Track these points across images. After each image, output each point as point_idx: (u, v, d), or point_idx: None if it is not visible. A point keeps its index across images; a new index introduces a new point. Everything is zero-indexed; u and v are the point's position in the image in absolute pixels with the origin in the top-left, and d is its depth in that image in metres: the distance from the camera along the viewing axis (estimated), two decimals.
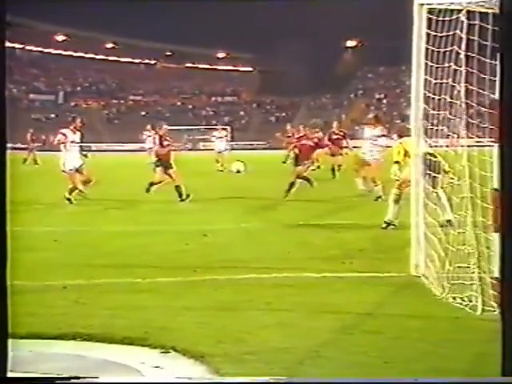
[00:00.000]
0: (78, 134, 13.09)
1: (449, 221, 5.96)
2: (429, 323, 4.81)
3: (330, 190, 14.41)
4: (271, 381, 3.62)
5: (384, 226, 8.93)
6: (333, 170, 17.96)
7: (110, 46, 73.08)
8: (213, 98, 71.59)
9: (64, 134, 12.94)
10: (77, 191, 12.67)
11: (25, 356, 3.94)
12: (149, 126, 32.74)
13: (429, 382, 3.61)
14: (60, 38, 70.50)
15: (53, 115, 60.67)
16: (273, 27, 59.49)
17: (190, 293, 5.73)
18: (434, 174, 6.87)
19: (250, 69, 75.92)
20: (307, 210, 11.34)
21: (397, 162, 8.77)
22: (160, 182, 13.24)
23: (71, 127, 13.03)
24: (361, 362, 4.03)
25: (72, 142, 12.87)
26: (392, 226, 8.87)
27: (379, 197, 11.91)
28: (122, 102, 69.76)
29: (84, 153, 13.30)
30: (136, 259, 7.23)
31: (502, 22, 3.14)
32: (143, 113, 64.87)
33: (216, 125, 30.24)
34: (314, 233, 9.04)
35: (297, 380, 3.85)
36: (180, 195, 12.58)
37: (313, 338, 4.45)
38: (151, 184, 13.33)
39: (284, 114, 64.86)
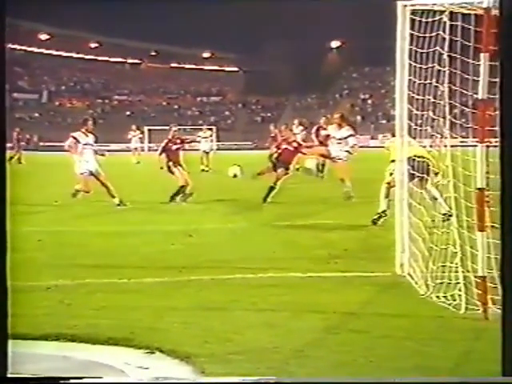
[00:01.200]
0: (91, 136, 12.64)
1: (445, 214, 5.97)
2: (414, 322, 4.84)
3: (316, 189, 14.44)
4: (262, 381, 3.63)
5: (376, 217, 9.04)
6: (318, 168, 17.86)
7: (94, 45, 72.67)
8: (198, 98, 71.44)
9: (75, 138, 12.54)
10: (82, 193, 12.35)
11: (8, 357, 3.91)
12: (134, 126, 32.64)
13: (429, 381, 3.63)
14: (43, 36, 69.98)
15: (37, 114, 60.22)
16: (258, 27, 59.49)
17: (176, 293, 5.72)
18: (423, 175, 6.91)
19: (236, 69, 75.88)
20: (292, 210, 11.36)
21: (393, 161, 8.72)
22: (186, 184, 12.67)
23: (83, 130, 12.59)
24: (346, 361, 4.04)
25: (85, 144, 12.42)
26: (384, 217, 8.91)
27: (350, 196, 11.80)
28: (106, 101, 69.39)
29: (101, 152, 12.82)
30: (121, 259, 7.20)
31: (502, 23, 3.17)
32: (128, 113, 64.60)
33: (202, 125, 30.15)
34: (299, 233, 9.06)
35: (283, 380, 3.86)
36: (180, 195, 12.41)
37: (298, 338, 4.47)
38: (182, 187, 12.66)
39: (270, 114, 64.89)
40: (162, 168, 13.12)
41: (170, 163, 12.96)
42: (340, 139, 12.42)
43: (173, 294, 5.71)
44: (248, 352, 4.17)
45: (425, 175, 6.99)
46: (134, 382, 3.76)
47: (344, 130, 12.54)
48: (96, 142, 12.82)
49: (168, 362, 4.07)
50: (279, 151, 12.90)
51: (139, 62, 75.12)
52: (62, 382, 3.43)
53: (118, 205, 11.96)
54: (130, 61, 74.59)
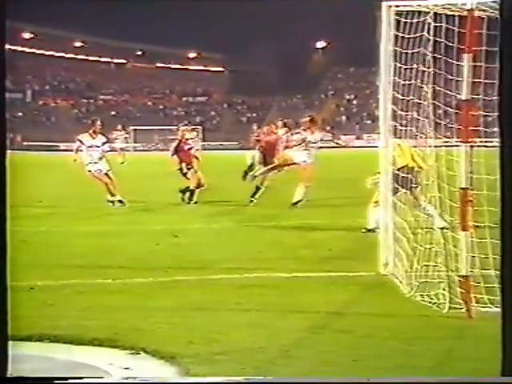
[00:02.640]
0: (99, 136, 12.43)
1: (443, 228, 5.90)
2: (397, 321, 4.87)
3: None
4: (254, 381, 3.63)
5: (364, 231, 8.57)
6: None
7: (78, 44, 72.23)
8: (184, 98, 71.28)
9: (80, 141, 12.33)
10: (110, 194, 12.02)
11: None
12: (119, 126, 32.46)
13: (429, 381, 3.65)
14: (27, 35, 69.42)
15: (20, 113, 59.71)
16: (244, 28, 59.48)
17: (161, 293, 5.70)
18: (413, 188, 6.93)
19: (221, 69, 75.80)
20: (278, 211, 11.37)
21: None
22: (200, 186, 12.43)
23: (90, 131, 12.35)
24: (330, 360, 4.06)
25: (90, 146, 12.18)
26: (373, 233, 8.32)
27: (299, 200, 11.60)
28: (91, 101, 69.01)
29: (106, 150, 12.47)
30: (106, 260, 7.17)
31: (502, 24, 3.20)
32: (113, 112, 64.27)
33: (187, 125, 30.06)
34: (284, 233, 9.07)
35: (269, 380, 3.86)
36: (189, 198, 12.26)
37: (283, 338, 4.47)
38: (192, 190, 12.36)
39: (255, 115, 64.90)
40: (178, 169, 12.74)
41: (183, 164, 12.62)
42: (315, 143, 12.28)
43: (158, 294, 5.69)
44: (233, 352, 4.17)
45: (416, 188, 6.99)
46: (134, 382, 3.75)
47: (317, 132, 12.43)
48: (107, 143, 12.59)
49: (152, 363, 4.06)
50: (264, 151, 12.87)
51: (124, 61, 74.80)
52: (61, 381, 3.42)
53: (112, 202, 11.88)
54: (115, 60, 74.24)
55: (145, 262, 7.10)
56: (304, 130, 12.30)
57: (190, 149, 12.90)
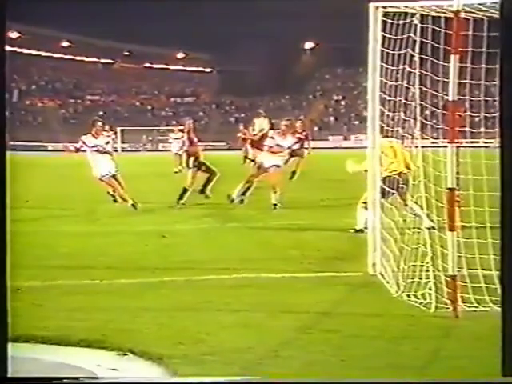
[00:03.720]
0: (103, 137, 12.13)
1: (430, 228, 5.92)
2: (385, 321, 4.89)
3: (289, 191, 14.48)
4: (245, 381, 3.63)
5: (352, 231, 8.56)
6: (293, 172, 17.66)
7: (66, 44, 71.87)
8: (172, 99, 71.14)
9: (83, 142, 11.94)
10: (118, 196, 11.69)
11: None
12: (107, 127, 32.26)
13: (429, 381, 3.67)
14: (14, 35, 68.96)
15: (7, 113, 59.19)
16: (232, 28, 59.46)
17: (149, 294, 5.69)
18: (401, 189, 6.94)
19: (210, 69, 75.72)
20: (265, 211, 11.38)
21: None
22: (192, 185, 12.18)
23: (92, 132, 11.98)
24: (318, 360, 4.07)
25: (94, 146, 11.80)
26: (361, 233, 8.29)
27: (275, 204, 11.46)
28: (79, 101, 68.68)
29: (113, 149, 12.31)
30: (94, 260, 7.14)
31: (502, 24, 3.23)
32: (101, 113, 64.02)
33: (175, 126, 29.95)
34: (272, 233, 9.08)
35: (257, 380, 3.86)
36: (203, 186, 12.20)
37: (272, 338, 4.48)
38: (185, 190, 12.05)
39: (243, 115, 64.88)
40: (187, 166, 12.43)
41: (191, 159, 12.40)
42: (287, 148, 12.06)
43: (146, 295, 5.67)
44: (221, 353, 4.17)
45: (404, 190, 7.02)
46: (133, 382, 3.73)
47: (290, 137, 12.15)
48: (109, 143, 12.27)
49: (140, 364, 4.05)
50: (252, 151, 12.85)
51: (112, 61, 74.51)
52: (60, 381, 3.40)
53: (133, 205, 11.41)
54: (102, 60, 73.94)
55: (133, 262, 7.08)
56: (278, 134, 12.07)
57: (197, 142, 12.64)
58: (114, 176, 11.72)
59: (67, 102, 67.74)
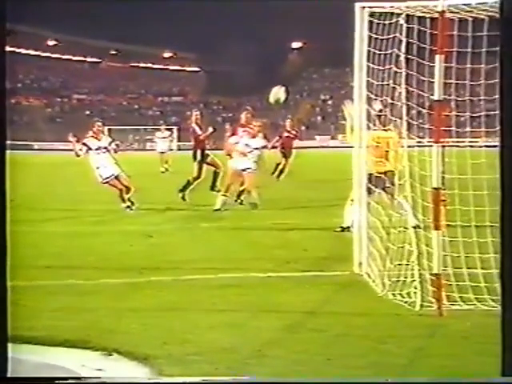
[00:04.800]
0: (104, 138, 11.90)
1: (416, 226, 5.94)
2: (371, 320, 4.91)
3: (277, 191, 14.50)
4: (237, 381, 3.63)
5: (339, 230, 8.55)
6: (278, 166, 17.61)
7: (52, 43, 71.44)
8: (159, 98, 70.94)
9: (86, 144, 11.63)
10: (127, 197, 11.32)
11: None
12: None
13: (429, 382, 3.68)
14: None
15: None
16: (220, 28, 59.41)
17: (135, 294, 5.67)
18: (388, 187, 6.96)
19: (197, 69, 75.60)
20: (253, 210, 11.38)
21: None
22: (197, 179, 12.05)
23: (93, 134, 11.70)
24: (304, 359, 4.07)
25: (97, 149, 11.51)
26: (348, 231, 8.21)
27: (255, 204, 11.41)
28: (65, 100, 68.31)
29: (113, 149, 11.71)
30: (79, 260, 7.10)
31: (502, 24, 3.25)
32: (87, 112, 63.72)
33: (163, 125, 29.85)
34: (259, 233, 9.08)
35: (244, 380, 3.86)
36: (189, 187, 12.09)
37: (258, 338, 4.48)
38: (188, 182, 11.98)
39: (231, 115, 64.85)
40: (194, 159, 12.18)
41: (198, 151, 12.28)
42: (256, 148, 11.70)
43: (132, 295, 5.65)
44: (207, 352, 4.16)
45: (391, 187, 7.03)
46: (133, 381, 3.72)
47: (258, 138, 11.89)
48: (113, 142, 11.92)
49: (126, 364, 4.03)
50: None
51: (99, 60, 74.18)
52: (61, 382, 3.39)
53: (128, 207, 11.20)
54: (89, 59, 73.57)
55: (119, 262, 7.05)
56: (247, 134, 11.66)
57: (202, 134, 12.39)
58: (116, 177, 11.43)
59: (53, 101, 67.35)
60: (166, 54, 74.85)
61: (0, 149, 2.74)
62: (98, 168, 11.51)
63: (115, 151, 11.82)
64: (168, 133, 26.66)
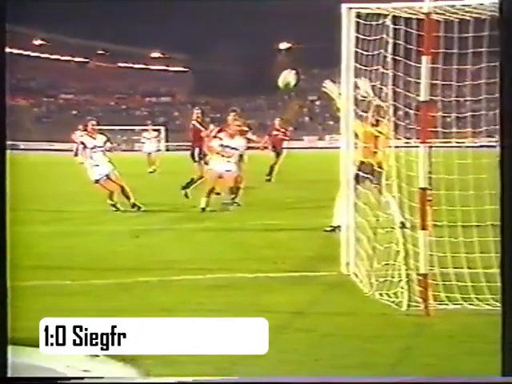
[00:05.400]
0: (100, 136, 11.62)
1: (402, 223, 5.95)
2: (358, 320, 4.93)
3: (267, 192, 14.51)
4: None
5: (329, 229, 8.53)
6: (271, 169, 17.50)
7: (39, 42, 71.01)
8: (147, 99, 70.75)
9: (82, 143, 11.55)
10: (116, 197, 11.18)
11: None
12: (81, 126, 31.96)
13: (430, 382, 3.69)
14: None
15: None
16: (208, 28, 59.35)
17: (122, 295, 5.65)
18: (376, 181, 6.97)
19: (185, 69, 75.49)
20: (240, 211, 11.38)
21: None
22: (200, 178, 11.84)
23: (88, 132, 11.53)
24: (292, 359, 4.08)
25: (92, 148, 11.37)
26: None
27: (237, 204, 11.39)
28: (52, 100, 67.96)
29: (108, 148, 11.52)
30: (66, 261, 7.07)
31: (502, 24, 3.27)
32: (75, 112, 63.43)
33: (151, 125, 29.77)
34: (247, 234, 9.08)
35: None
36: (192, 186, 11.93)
37: None
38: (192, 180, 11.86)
39: (219, 115, 64.79)
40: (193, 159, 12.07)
41: (196, 150, 12.09)
42: (235, 149, 11.36)
43: (119, 295, 5.63)
44: (195, 353, 4.15)
45: (377, 180, 7.04)
46: (134, 382, 3.71)
47: (237, 137, 11.46)
48: (108, 141, 11.75)
49: (113, 365, 4.01)
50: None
51: (86, 60, 73.86)
52: (61, 382, 3.37)
53: (138, 209, 11.05)
54: (76, 59, 73.23)
55: (106, 262, 7.02)
56: (226, 135, 11.33)
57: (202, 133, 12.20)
58: (110, 177, 11.25)
59: (40, 101, 66.97)
60: (154, 54, 74.67)
61: (0, 149, 2.74)
62: (92, 167, 11.38)
63: (110, 150, 11.71)
64: (155, 133, 26.56)
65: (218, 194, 11.62)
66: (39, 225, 9.96)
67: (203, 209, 11.01)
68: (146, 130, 25.99)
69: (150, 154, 23.62)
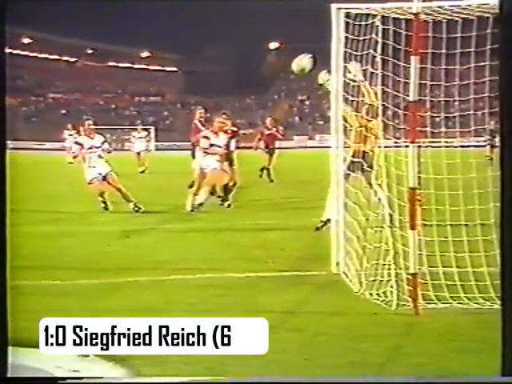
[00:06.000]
0: (97, 136, 11.32)
1: (390, 215, 5.92)
2: (348, 319, 4.94)
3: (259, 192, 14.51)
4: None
5: (320, 225, 8.57)
6: (268, 170, 17.45)
7: (27, 41, 70.60)
8: (136, 98, 70.55)
9: (79, 143, 11.25)
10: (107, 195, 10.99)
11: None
12: (70, 125, 31.84)
13: (430, 382, 3.71)
14: None
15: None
16: (197, 28, 59.27)
17: (112, 295, 5.63)
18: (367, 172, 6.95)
19: (175, 69, 75.33)
20: (230, 211, 11.38)
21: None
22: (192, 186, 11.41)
23: (86, 132, 11.23)
24: (281, 359, 4.09)
25: (90, 148, 11.08)
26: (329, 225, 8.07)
27: (228, 205, 11.39)
28: (40, 99, 67.60)
29: (107, 150, 11.25)
30: (55, 261, 7.03)
31: (502, 23, 3.28)
32: (63, 111, 63.15)
33: (140, 125, 29.64)
34: (237, 233, 9.08)
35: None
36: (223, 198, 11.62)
37: None
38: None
39: (209, 115, 64.69)
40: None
41: (197, 149, 11.66)
42: (219, 147, 11.13)
43: (109, 295, 5.62)
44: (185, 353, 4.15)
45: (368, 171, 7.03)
46: (134, 381, 3.70)
47: (221, 135, 11.27)
48: (106, 141, 11.45)
49: (103, 365, 4.00)
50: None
51: (75, 59, 73.53)
52: (60, 382, 3.36)
53: (136, 211, 10.80)
54: (65, 58, 72.89)
55: (96, 262, 7.00)
56: (211, 133, 11.18)
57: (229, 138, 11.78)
58: (104, 178, 11.01)
59: (28, 100, 66.57)
60: (144, 54, 74.47)
61: (0, 149, 2.73)
62: (88, 168, 11.12)
63: (108, 151, 11.39)
64: (145, 133, 26.48)
65: (212, 193, 11.62)
66: (27, 225, 9.91)
67: (192, 209, 10.92)
68: (136, 130, 25.90)
69: (139, 153, 23.55)
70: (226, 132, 11.52)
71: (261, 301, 5.43)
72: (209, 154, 11.09)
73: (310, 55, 7.91)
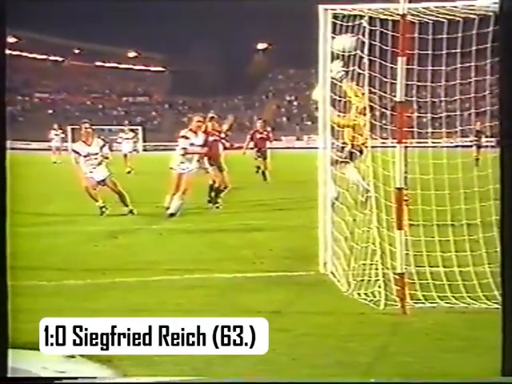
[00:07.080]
0: (95, 141, 10.79)
1: (367, 190, 5.87)
2: (336, 319, 4.95)
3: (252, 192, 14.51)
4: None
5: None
6: (263, 172, 17.45)
7: (12, 40, 70.10)
8: (124, 98, 70.29)
9: (75, 151, 10.83)
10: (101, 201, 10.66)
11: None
12: (56, 125, 31.66)
13: (430, 382, 3.71)
14: None
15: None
16: (185, 27, 59.18)
17: (99, 295, 5.61)
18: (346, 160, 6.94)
19: (162, 69, 75.16)
20: (218, 212, 11.37)
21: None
22: (214, 182, 11.32)
23: (82, 138, 10.72)
24: (269, 359, 4.08)
25: (86, 155, 10.59)
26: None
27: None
28: (27, 98, 67.16)
29: (105, 155, 10.81)
30: (41, 261, 6.99)
31: (501, 22, 3.29)
32: (50, 111, 62.78)
33: (127, 125, 29.49)
34: (225, 234, 9.07)
35: (207, 380, 3.86)
36: (214, 199, 11.48)
37: None
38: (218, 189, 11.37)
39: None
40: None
41: (205, 159, 11.33)
42: (199, 146, 10.78)
43: (96, 296, 5.59)
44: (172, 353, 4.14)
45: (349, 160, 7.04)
46: (134, 381, 3.69)
47: (200, 135, 10.86)
48: (105, 145, 10.94)
49: (89, 366, 3.98)
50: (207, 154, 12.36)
51: (62, 59, 73.13)
52: (60, 382, 3.34)
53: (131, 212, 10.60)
54: (52, 58, 72.48)
55: (82, 263, 6.96)
56: (191, 132, 10.73)
57: (216, 141, 11.52)
58: (104, 183, 10.69)
59: (15, 99, 66.07)
60: (131, 54, 74.22)
61: (0, 149, 2.72)
62: (85, 174, 10.69)
63: (105, 157, 10.88)
64: (132, 134, 26.37)
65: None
66: (14, 224, 9.83)
67: (168, 209, 10.53)
68: (123, 131, 25.80)
69: (125, 155, 23.48)
70: (205, 131, 11.22)
71: (248, 301, 5.43)
72: (188, 153, 10.76)
73: (350, 35, 7.34)
